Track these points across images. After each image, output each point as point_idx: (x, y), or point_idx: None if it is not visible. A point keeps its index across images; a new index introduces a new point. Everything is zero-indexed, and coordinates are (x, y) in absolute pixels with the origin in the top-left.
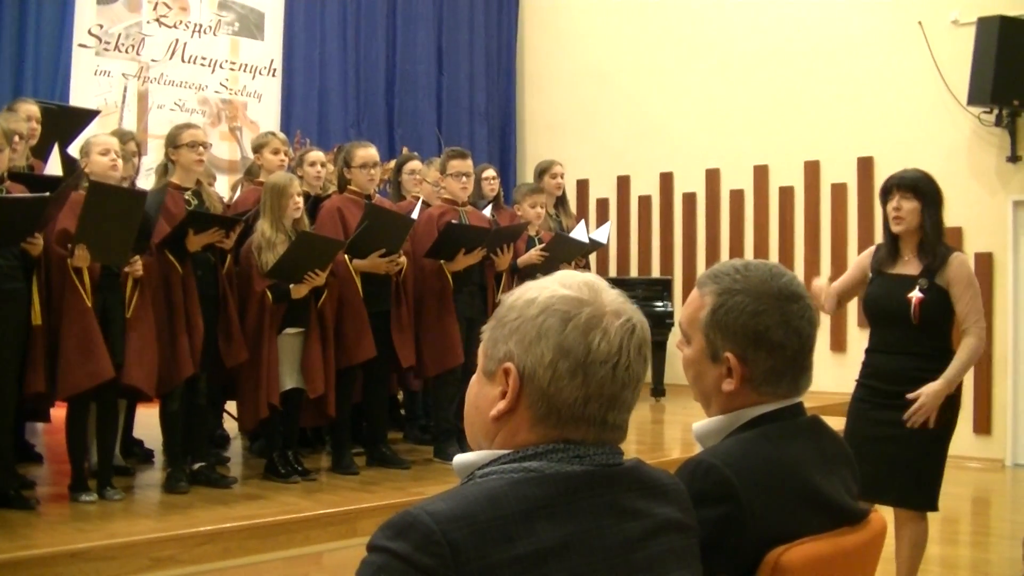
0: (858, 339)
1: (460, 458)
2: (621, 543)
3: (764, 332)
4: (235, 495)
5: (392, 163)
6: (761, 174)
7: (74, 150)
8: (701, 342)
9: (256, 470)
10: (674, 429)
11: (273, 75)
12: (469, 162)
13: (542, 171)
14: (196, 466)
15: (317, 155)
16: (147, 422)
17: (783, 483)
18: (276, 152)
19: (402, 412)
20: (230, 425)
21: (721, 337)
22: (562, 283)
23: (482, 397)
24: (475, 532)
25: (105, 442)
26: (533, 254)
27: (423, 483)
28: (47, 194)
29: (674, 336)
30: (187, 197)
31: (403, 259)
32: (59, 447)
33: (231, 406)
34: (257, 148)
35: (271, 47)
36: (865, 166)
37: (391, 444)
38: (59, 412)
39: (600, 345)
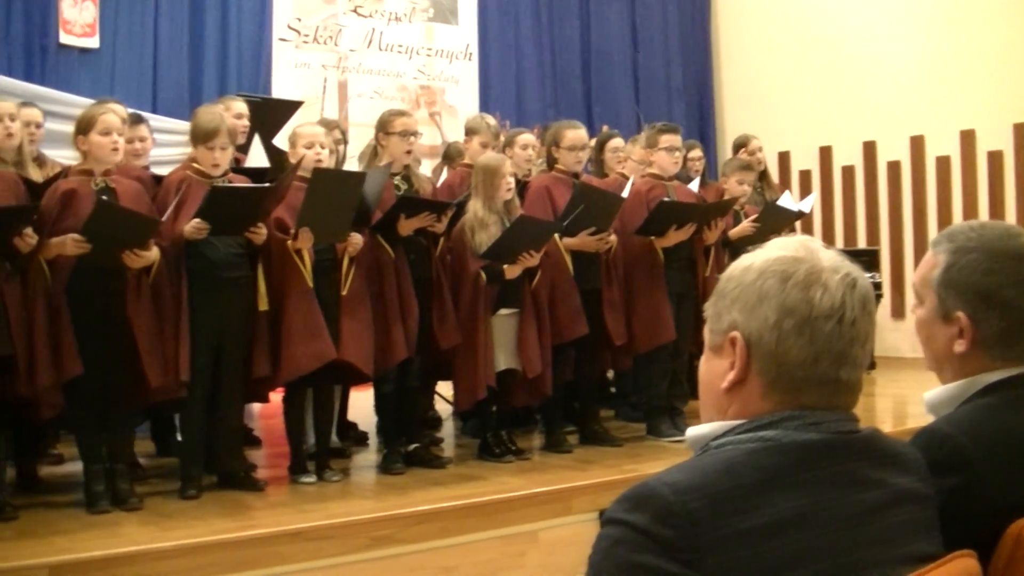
0: None
1: (693, 430)
2: (859, 514)
3: (996, 291)
4: (450, 475)
5: (592, 142)
6: (968, 139)
7: (281, 140)
8: (933, 301)
9: (469, 450)
10: (885, 401)
11: (469, 59)
12: (679, 136)
13: (739, 147)
14: (411, 447)
15: (528, 138)
16: (361, 405)
17: (1020, 451)
18: (485, 145)
19: (612, 390)
20: (442, 406)
21: (953, 296)
22: (777, 246)
23: (712, 373)
24: (713, 503)
25: (322, 425)
26: (745, 226)
27: (637, 460)
28: (268, 184)
29: (884, 307)
30: (396, 182)
31: (613, 237)
32: (275, 431)
33: (442, 387)
34: (469, 132)
35: (466, 31)
36: None
37: (602, 422)
38: (274, 395)
39: (822, 300)
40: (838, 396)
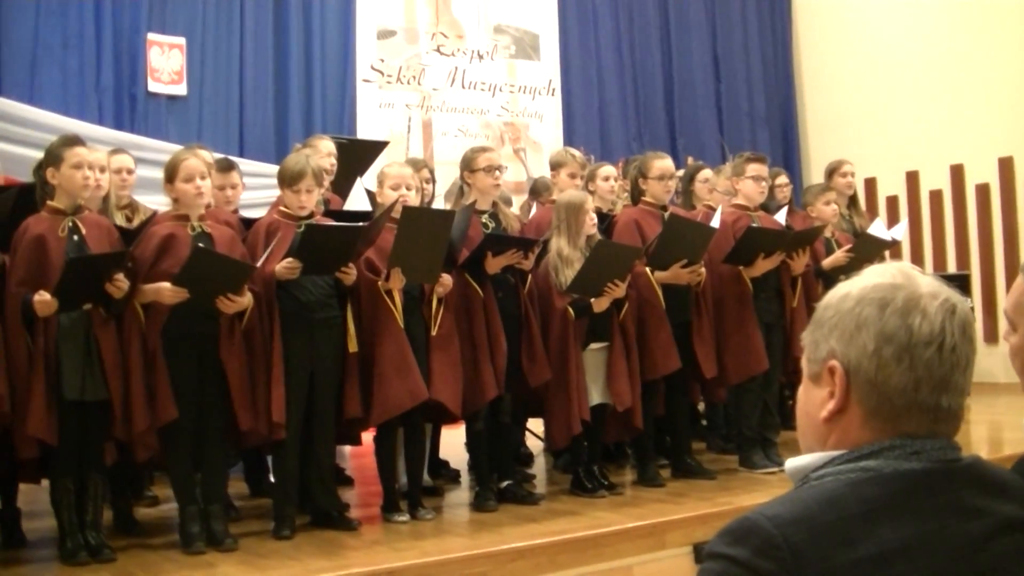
0: None
1: (793, 462)
2: (965, 543)
3: None
4: (543, 511)
5: (680, 173)
6: None
7: (368, 180)
8: None
9: (562, 486)
10: (980, 428)
11: (552, 94)
12: (766, 167)
13: (831, 171)
14: (503, 484)
15: (610, 170)
16: (452, 442)
17: None
18: (573, 176)
19: (703, 422)
20: (533, 443)
21: None
22: (874, 273)
23: (810, 403)
24: (815, 535)
25: (414, 464)
26: (840, 256)
27: (730, 493)
28: (360, 224)
29: (976, 332)
30: (484, 220)
31: (703, 269)
32: (367, 470)
33: (533, 424)
34: (556, 166)
35: (548, 67)
36: None
37: (694, 454)
38: (364, 434)
39: (921, 326)
40: (939, 423)
